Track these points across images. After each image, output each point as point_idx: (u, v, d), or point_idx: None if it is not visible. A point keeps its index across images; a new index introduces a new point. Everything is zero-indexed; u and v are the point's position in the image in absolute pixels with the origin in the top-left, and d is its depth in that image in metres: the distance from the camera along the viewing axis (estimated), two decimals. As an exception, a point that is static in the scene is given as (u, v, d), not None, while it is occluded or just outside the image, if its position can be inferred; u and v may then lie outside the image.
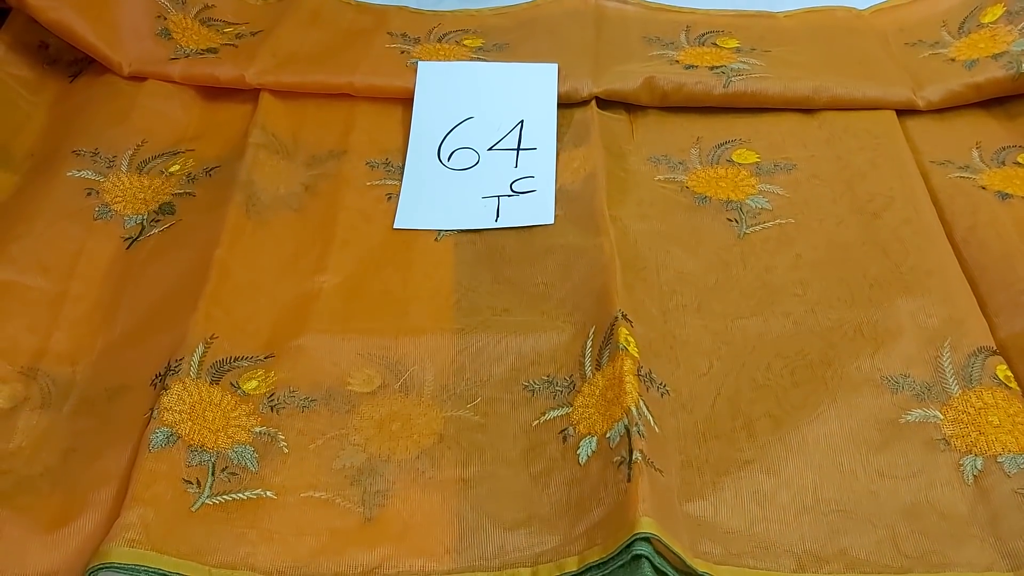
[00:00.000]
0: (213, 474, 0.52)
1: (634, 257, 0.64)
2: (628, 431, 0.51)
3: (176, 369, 0.55)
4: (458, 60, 0.81)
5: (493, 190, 0.70)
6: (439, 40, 0.85)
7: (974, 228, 0.65)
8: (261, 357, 0.59)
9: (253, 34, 0.84)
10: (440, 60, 0.81)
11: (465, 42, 0.84)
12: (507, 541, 0.50)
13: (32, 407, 0.57)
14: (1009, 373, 0.56)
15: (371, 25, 0.86)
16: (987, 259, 0.63)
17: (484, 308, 0.62)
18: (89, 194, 0.70)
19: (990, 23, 0.81)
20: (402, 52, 0.82)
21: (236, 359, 0.58)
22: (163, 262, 0.65)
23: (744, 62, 0.79)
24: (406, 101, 0.77)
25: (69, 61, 0.82)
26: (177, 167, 0.73)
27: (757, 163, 0.73)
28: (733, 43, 0.83)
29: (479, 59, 0.82)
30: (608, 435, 0.52)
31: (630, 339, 0.56)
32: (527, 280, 0.64)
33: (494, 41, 0.84)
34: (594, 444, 0.53)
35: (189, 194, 0.70)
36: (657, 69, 0.78)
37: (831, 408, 0.55)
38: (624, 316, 0.57)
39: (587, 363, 0.57)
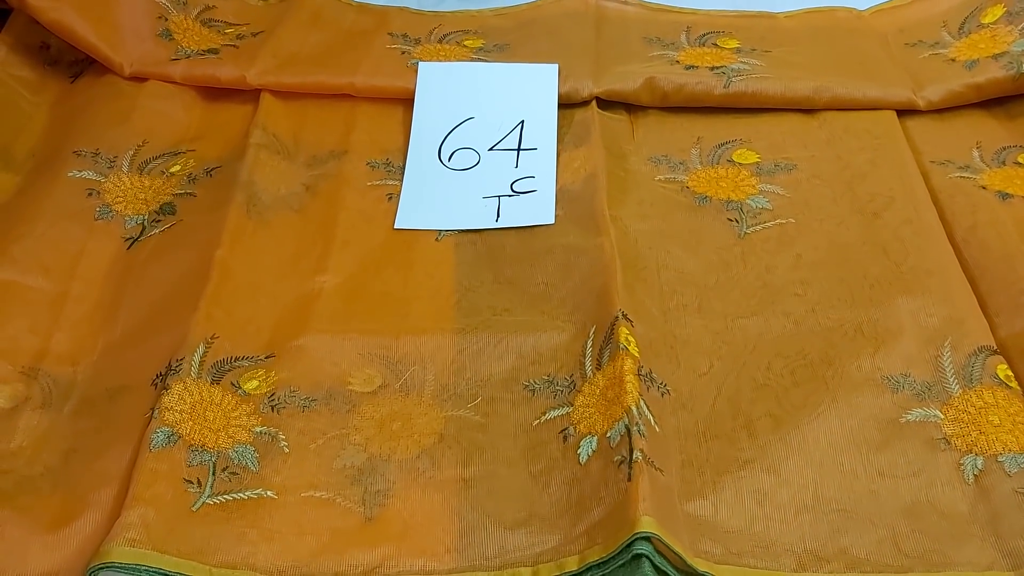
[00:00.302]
0: (214, 474, 0.52)
1: (635, 257, 0.64)
2: (628, 430, 0.51)
3: (177, 369, 0.55)
4: (459, 61, 0.81)
5: (494, 190, 0.70)
6: (440, 41, 0.85)
7: (974, 228, 0.65)
8: (262, 357, 0.59)
9: (254, 35, 0.84)
10: (441, 61, 0.81)
11: (466, 43, 0.85)
12: (508, 540, 0.50)
13: (33, 407, 0.57)
14: (1009, 372, 0.56)
15: (372, 26, 0.86)
16: (987, 259, 0.63)
17: (485, 308, 0.62)
18: (90, 194, 0.70)
19: (990, 23, 0.81)
20: (403, 53, 0.82)
21: (237, 359, 0.58)
22: (164, 262, 0.65)
23: (744, 62, 0.79)
24: (407, 101, 0.77)
25: (70, 62, 0.82)
26: (178, 167, 0.73)
27: (757, 163, 0.73)
28: (733, 43, 0.83)
29: (480, 60, 0.82)
30: (608, 434, 0.52)
31: (630, 339, 0.56)
32: (528, 280, 0.64)
33: (495, 42, 0.85)
34: (594, 443, 0.53)
35: (190, 194, 0.70)
36: (658, 69, 0.78)
37: (831, 407, 0.55)
38: (624, 316, 0.57)
39: (587, 363, 0.57)
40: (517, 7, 0.89)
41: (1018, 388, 0.56)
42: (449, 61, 0.81)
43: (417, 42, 0.84)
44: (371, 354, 0.59)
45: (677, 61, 0.80)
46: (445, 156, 0.73)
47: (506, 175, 0.71)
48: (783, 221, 0.68)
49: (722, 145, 0.75)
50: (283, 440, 0.55)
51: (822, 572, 0.49)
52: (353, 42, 0.83)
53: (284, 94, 0.78)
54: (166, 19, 0.82)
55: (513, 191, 0.70)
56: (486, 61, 0.81)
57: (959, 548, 0.49)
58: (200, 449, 0.53)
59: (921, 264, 0.63)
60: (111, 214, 0.69)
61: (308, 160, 0.74)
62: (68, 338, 0.61)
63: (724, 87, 0.76)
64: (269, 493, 0.52)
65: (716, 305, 0.62)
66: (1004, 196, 0.68)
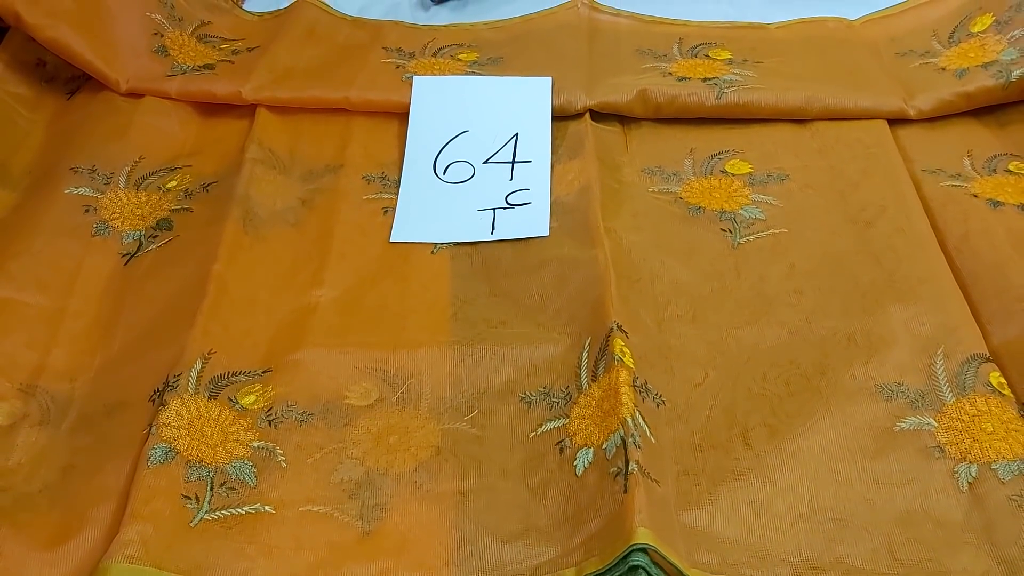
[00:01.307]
0: (211, 489, 0.52)
1: (629, 268, 0.65)
2: (624, 442, 0.51)
3: (174, 385, 0.56)
4: (453, 74, 0.82)
5: (488, 203, 0.70)
6: (434, 54, 0.85)
7: (966, 236, 0.66)
8: (259, 372, 0.59)
9: (249, 50, 0.84)
10: (435, 74, 0.81)
11: (460, 56, 0.85)
12: (505, 553, 0.50)
13: (31, 424, 0.57)
14: (1002, 380, 0.57)
15: (366, 40, 0.86)
16: (979, 267, 0.63)
17: (480, 320, 0.62)
18: (87, 211, 0.70)
19: (980, 32, 0.81)
20: (397, 67, 0.82)
21: (234, 374, 0.58)
22: (161, 278, 0.65)
23: (737, 73, 0.80)
24: (402, 115, 0.78)
25: (67, 78, 0.82)
26: (175, 183, 0.73)
27: (750, 173, 0.73)
28: (725, 55, 0.83)
29: (474, 73, 0.82)
30: (604, 446, 0.52)
31: (625, 350, 0.56)
32: (523, 292, 0.64)
33: (488, 55, 0.85)
34: (591, 455, 0.53)
35: (187, 210, 0.71)
36: (650, 81, 0.78)
37: (826, 417, 0.56)
38: (619, 327, 0.58)
39: (583, 374, 0.57)
40: (510, 20, 0.89)
41: (1011, 395, 0.56)
42: (443, 75, 0.81)
43: (411, 56, 0.84)
44: (368, 368, 0.59)
45: (670, 73, 0.80)
46: (440, 169, 0.73)
47: (501, 188, 0.72)
48: (776, 231, 0.68)
49: (715, 156, 0.75)
50: (280, 455, 0.55)
51: (818, 581, 0.49)
52: (348, 56, 0.83)
53: (280, 109, 0.78)
54: (162, 35, 0.83)
55: (508, 203, 0.70)
56: (480, 74, 0.82)
57: (954, 556, 0.49)
58: (198, 465, 0.53)
59: (913, 272, 0.63)
60: (108, 230, 0.69)
61: (304, 174, 0.74)
62: (66, 354, 0.61)
63: (716, 98, 0.76)
64: (267, 508, 0.52)
65: (710, 315, 0.62)
66: (995, 204, 0.68)
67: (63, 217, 0.69)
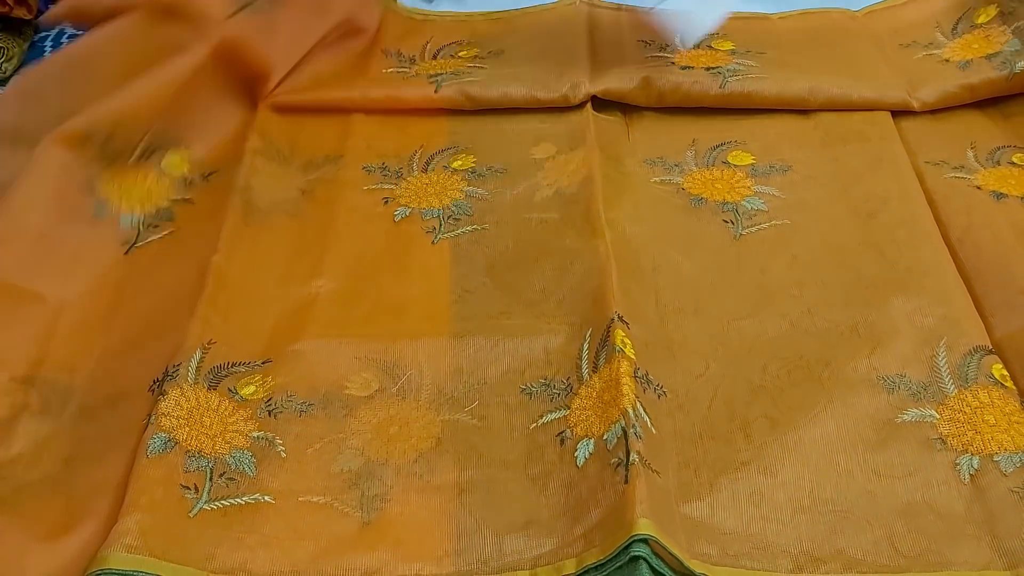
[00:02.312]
0: (211, 479, 0.52)
1: (630, 259, 0.64)
2: (625, 433, 0.51)
3: (174, 375, 0.55)
4: (456, 71, 0.80)
5: None
6: (434, 56, 0.84)
7: (969, 228, 0.66)
8: (259, 362, 0.59)
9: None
10: (439, 74, 0.80)
11: (460, 54, 0.84)
12: (505, 544, 0.50)
13: (31, 414, 0.57)
14: (1005, 372, 0.56)
15: (363, 43, 0.85)
16: (982, 259, 0.63)
17: (481, 311, 0.62)
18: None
19: (983, 24, 0.81)
20: (399, 73, 0.82)
21: (233, 364, 0.58)
22: (161, 268, 0.65)
23: (740, 63, 0.79)
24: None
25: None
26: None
27: (753, 165, 0.73)
28: (728, 45, 0.83)
29: (477, 68, 0.82)
30: (605, 437, 0.52)
31: (626, 341, 0.56)
32: (524, 283, 0.64)
33: (489, 49, 0.85)
34: (591, 446, 0.53)
35: (187, 200, 0.70)
36: (654, 70, 0.78)
37: (828, 408, 0.55)
38: (620, 318, 0.57)
39: (584, 365, 0.57)
40: (508, 12, 0.89)
41: (1013, 388, 0.56)
42: (447, 73, 0.80)
43: (412, 61, 0.84)
44: (368, 358, 0.59)
45: (672, 62, 0.80)
46: None
47: None
48: (778, 222, 0.68)
49: (717, 147, 0.75)
50: (280, 445, 0.55)
51: (819, 573, 0.49)
52: (347, 65, 0.82)
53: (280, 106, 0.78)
54: None
55: None
56: (484, 69, 0.81)
57: (955, 548, 0.49)
58: (197, 455, 0.53)
59: (916, 265, 0.63)
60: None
61: (304, 165, 0.74)
62: (66, 345, 0.61)
63: (720, 87, 0.76)
64: (266, 498, 0.52)
65: (712, 307, 0.62)
66: (999, 196, 0.68)
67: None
